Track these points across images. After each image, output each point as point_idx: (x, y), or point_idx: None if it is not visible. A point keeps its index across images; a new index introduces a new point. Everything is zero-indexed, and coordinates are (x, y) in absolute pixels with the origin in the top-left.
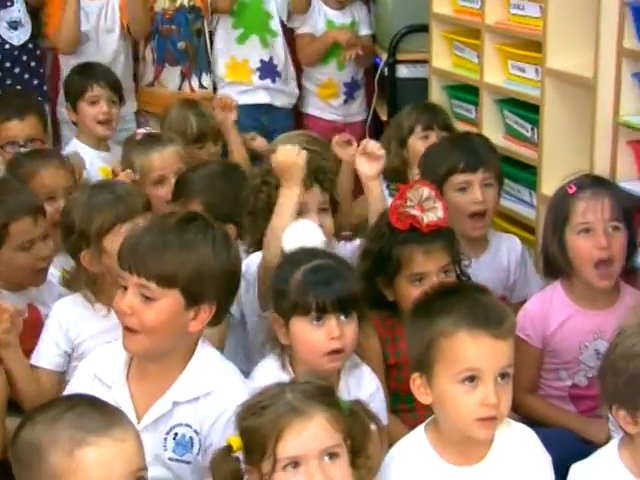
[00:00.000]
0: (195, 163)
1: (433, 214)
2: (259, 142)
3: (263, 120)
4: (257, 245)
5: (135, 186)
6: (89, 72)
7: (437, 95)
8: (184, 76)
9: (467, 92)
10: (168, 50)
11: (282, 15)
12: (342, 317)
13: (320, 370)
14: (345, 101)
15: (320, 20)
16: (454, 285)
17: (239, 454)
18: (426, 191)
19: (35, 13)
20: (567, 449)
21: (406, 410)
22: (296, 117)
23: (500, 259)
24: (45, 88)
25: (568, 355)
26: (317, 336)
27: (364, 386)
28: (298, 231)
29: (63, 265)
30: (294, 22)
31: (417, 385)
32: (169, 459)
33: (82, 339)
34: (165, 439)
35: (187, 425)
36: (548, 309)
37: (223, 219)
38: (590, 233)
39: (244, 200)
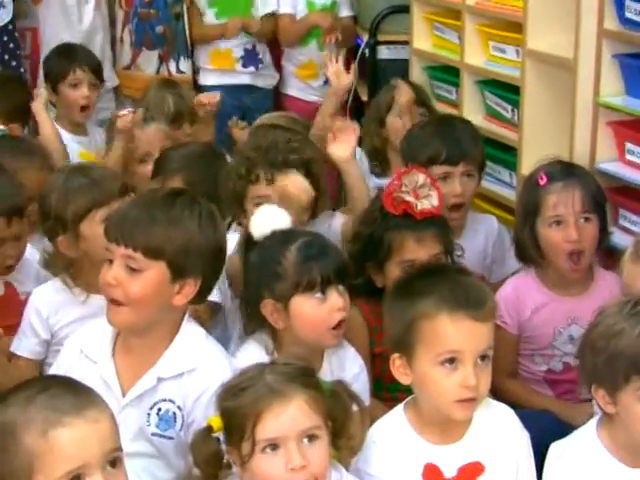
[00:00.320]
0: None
1: (428, 202)
2: (236, 132)
3: (245, 100)
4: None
5: (110, 170)
6: (71, 55)
7: (418, 76)
8: (162, 60)
9: (448, 73)
10: (146, 33)
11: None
12: (340, 287)
13: (324, 345)
14: (325, 82)
15: (301, 0)
16: (435, 266)
17: (219, 435)
18: (422, 178)
19: None
20: (546, 429)
21: (389, 399)
22: (275, 98)
23: (477, 240)
24: (22, 70)
25: (543, 341)
26: (323, 310)
27: (348, 366)
28: (265, 217)
29: (42, 245)
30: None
31: (397, 366)
32: (152, 434)
33: (61, 325)
34: (149, 414)
35: (170, 401)
36: (523, 295)
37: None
38: (561, 225)
39: (223, 182)
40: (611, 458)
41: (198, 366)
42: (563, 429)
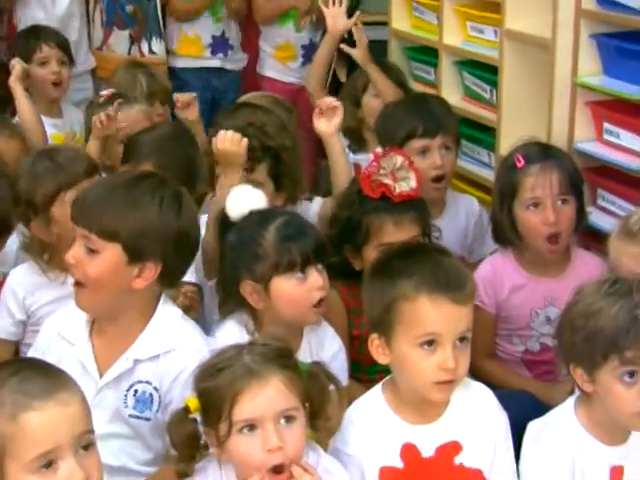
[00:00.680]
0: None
1: (406, 184)
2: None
3: (214, 82)
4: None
5: (77, 151)
6: (37, 33)
7: (396, 57)
8: (133, 40)
9: (426, 54)
10: (117, 13)
11: None
12: (319, 266)
13: (306, 323)
14: (303, 63)
15: None
16: (415, 246)
17: (196, 415)
18: (399, 160)
19: None
20: (523, 408)
21: (368, 381)
22: (253, 79)
23: (458, 220)
24: None
25: (520, 321)
26: (303, 289)
27: (327, 345)
28: (241, 197)
29: (21, 230)
30: None
31: (375, 346)
32: (129, 416)
33: (38, 306)
34: (126, 396)
35: (147, 382)
36: (500, 275)
37: (174, 181)
38: (539, 208)
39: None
40: (588, 436)
41: (174, 347)
42: (541, 409)
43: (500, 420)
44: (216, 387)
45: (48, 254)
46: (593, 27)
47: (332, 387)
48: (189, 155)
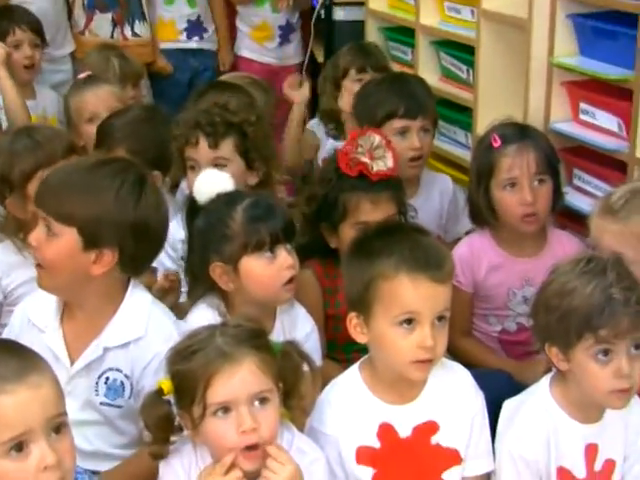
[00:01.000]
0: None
1: (383, 163)
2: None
3: (192, 62)
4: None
5: (56, 130)
6: (9, 16)
7: (373, 37)
8: (116, 23)
9: (403, 34)
10: None
11: None
12: (288, 246)
13: (277, 302)
14: (280, 44)
15: None
16: (394, 225)
17: (170, 397)
18: (377, 139)
19: None
20: (499, 388)
21: (344, 360)
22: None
23: (433, 200)
24: None
25: (497, 301)
26: (273, 269)
27: (299, 326)
28: (209, 180)
29: None
30: None
31: (353, 324)
32: (101, 403)
33: (15, 286)
34: (97, 383)
35: (118, 370)
36: (478, 254)
37: (148, 165)
38: (516, 188)
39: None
40: (563, 414)
41: (144, 334)
42: (517, 388)
43: (477, 400)
44: (189, 370)
45: (23, 232)
46: (569, 7)
47: (306, 367)
48: (162, 138)
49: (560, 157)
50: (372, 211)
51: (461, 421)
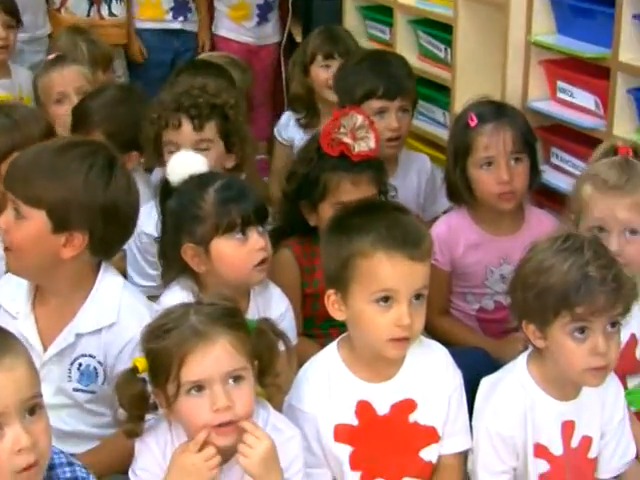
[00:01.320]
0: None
1: (365, 144)
2: None
3: (175, 43)
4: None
5: (34, 111)
6: None
7: (351, 16)
8: (92, 2)
9: (381, 13)
10: None
11: None
12: (260, 228)
13: (249, 284)
14: (258, 23)
15: None
16: (373, 203)
17: (145, 375)
18: (360, 119)
19: None
20: (477, 365)
21: (321, 336)
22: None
23: (411, 178)
24: None
25: (475, 279)
26: (244, 251)
27: (274, 306)
28: (182, 162)
29: None
30: None
31: (331, 301)
32: (74, 389)
33: None
34: (69, 369)
35: (90, 356)
36: (456, 233)
37: (126, 146)
38: (492, 167)
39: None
40: (540, 391)
41: (117, 320)
42: (494, 366)
43: (454, 378)
44: (163, 348)
45: None
46: None
47: (281, 345)
48: (139, 117)
49: (538, 135)
50: (352, 191)
51: (439, 399)
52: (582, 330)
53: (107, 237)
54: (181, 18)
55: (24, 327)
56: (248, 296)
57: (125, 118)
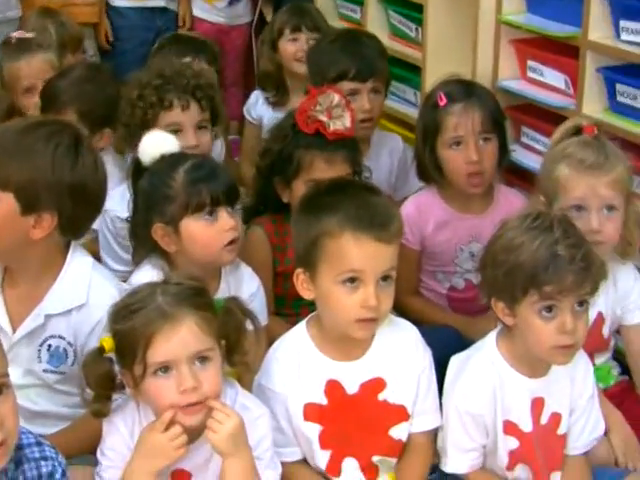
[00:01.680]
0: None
1: (340, 123)
2: None
3: (158, 22)
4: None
5: None
6: None
7: None
8: None
9: None
10: None
11: None
12: (230, 209)
13: (219, 263)
14: (230, 3)
15: None
16: (344, 182)
17: (111, 355)
18: (337, 98)
19: None
20: (447, 344)
21: (292, 314)
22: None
23: (383, 159)
24: None
25: (445, 258)
26: (213, 231)
27: (245, 286)
28: (154, 142)
29: None
30: None
31: (300, 280)
32: (44, 370)
33: None
34: (39, 350)
35: (60, 337)
36: (425, 212)
37: (98, 124)
38: (461, 146)
39: (120, 110)
40: (510, 369)
41: (86, 301)
42: (464, 344)
43: (424, 356)
44: (130, 329)
45: None
46: None
47: (250, 324)
48: (110, 95)
49: (508, 115)
50: (326, 170)
51: (408, 378)
52: (550, 308)
53: (76, 217)
54: None
55: None
56: (219, 276)
57: (96, 95)
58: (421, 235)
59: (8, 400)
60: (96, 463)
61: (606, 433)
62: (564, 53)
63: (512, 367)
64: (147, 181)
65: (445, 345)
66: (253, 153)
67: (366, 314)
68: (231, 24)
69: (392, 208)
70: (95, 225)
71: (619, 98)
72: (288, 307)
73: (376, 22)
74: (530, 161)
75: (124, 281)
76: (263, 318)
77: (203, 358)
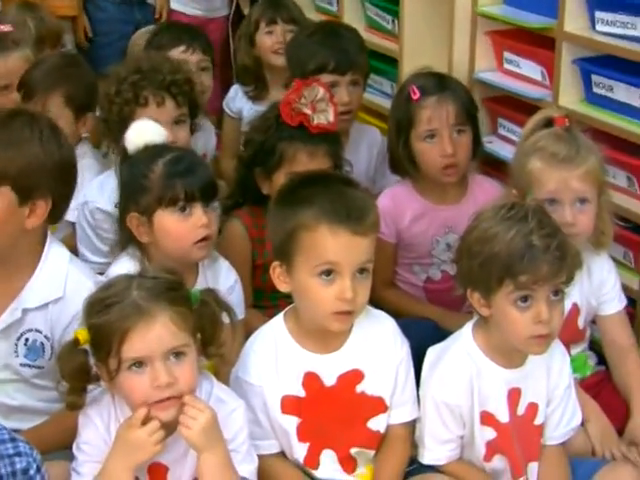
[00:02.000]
0: None
1: (324, 117)
2: None
3: (137, 15)
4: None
5: None
6: None
7: None
8: None
9: None
10: None
11: None
12: (206, 206)
13: (190, 259)
14: None
15: None
16: (320, 175)
17: (86, 347)
18: (321, 92)
19: None
20: (426, 336)
21: (270, 307)
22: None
23: (362, 152)
24: None
25: (421, 249)
26: (185, 226)
27: (222, 279)
28: (140, 130)
29: None
30: None
31: (277, 273)
32: (21, 365)
33: None
34: (16, 345)
35: (37, 330)
36: (401, 204)
37: (83, 109)
38: (435, 139)
39: (99, 105)
40: (486, 359)
41: (63, 295)
42: (442, 335)
43: (402, 348)
44: (105, 323)
45: None
46: None
47: (226, 318)
48: (90, 81)
49: (485, 106)
50: (308, 163)
51: (386, 369)
52: (525, 299)
53: (65, 197)
54: None
55: None
56: (197, 270)
57: (80, 78)
58: (397, 228)
59: None
60: (72, 458)
61: (583, 423)
62: (540, 44)
63: (488, 358)
64: (127, 169)
65: (422, 337)
66: (232, 147)
67: (342, 307)
68: (208, 17)
69: (369, 201)
70: (72, 218)
71: (595, 89)
72: (266, 299)
73: (352, 14)
74: (507, 152)
75: (102, 273)
76: (240, 311)
77: (178, 354)
